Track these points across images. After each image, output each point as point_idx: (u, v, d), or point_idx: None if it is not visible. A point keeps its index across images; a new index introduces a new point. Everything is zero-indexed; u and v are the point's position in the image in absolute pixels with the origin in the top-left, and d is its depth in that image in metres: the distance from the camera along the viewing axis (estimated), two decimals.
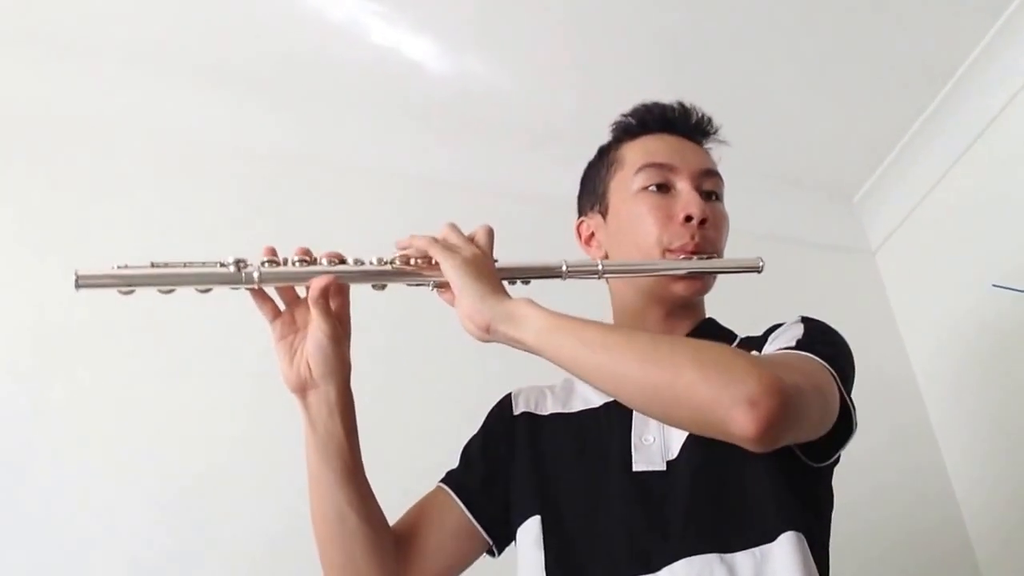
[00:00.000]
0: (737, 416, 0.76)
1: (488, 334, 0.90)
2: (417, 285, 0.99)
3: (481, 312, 0.90)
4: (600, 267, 1.05)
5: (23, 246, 1.66)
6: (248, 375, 1.57)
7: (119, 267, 0.90)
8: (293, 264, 0.94)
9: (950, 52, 2.00)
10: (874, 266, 2.38)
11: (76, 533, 1.45)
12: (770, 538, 0.90)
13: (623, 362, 0.83)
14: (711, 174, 1.15)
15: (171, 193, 1.82)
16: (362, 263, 0.96)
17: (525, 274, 1.02)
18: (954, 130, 2.10)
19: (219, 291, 0.93)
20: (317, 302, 0.93)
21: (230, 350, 1.65)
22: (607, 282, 1.16)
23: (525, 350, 0.90)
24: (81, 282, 0.88)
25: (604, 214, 1.17)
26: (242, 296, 0.95)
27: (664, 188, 1.12)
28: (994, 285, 1.80)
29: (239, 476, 1.56)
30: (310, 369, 0.95)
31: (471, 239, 0.99)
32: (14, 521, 1.44)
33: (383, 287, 0.99)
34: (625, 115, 1.21)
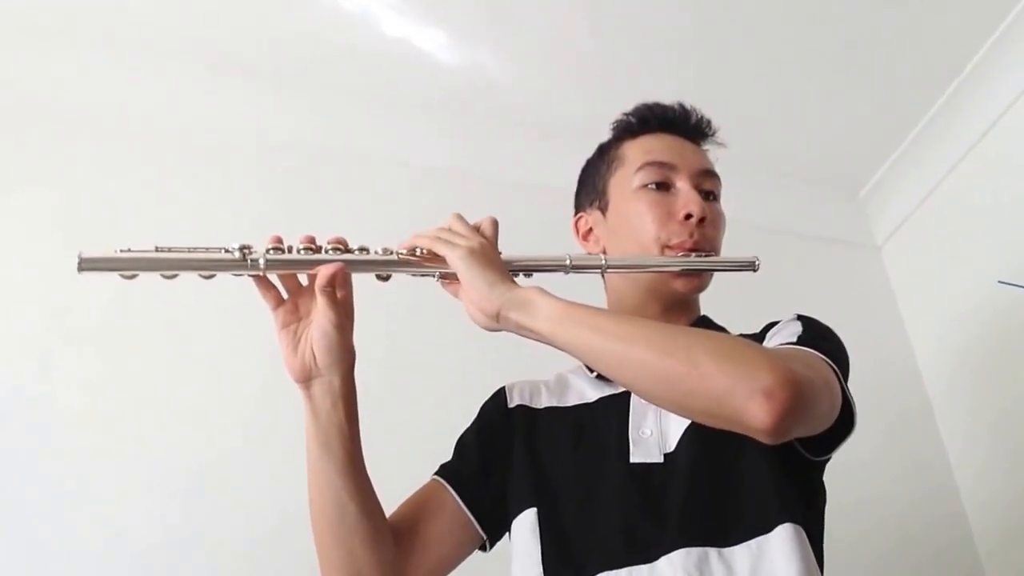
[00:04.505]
0: (753, 407, 0.76)
1: (497, 322, 0.90)
2: (422, 275, 0.98)
3: (490, 300, 0.89)
4: (604, 262, 1.05)
5: (35, 234, 1.66)
6: (251, 364, 1.58)
7: (122, 251, 0.88)
8: (298, 252, 0.93)
9: (958, 48, 2.00)
10: (880, 261, 2.37)
11: (80, 520, 1.46)
12: (767, 529, 0.90)
13: (638, 351, 0.82)
14: (710, 174, 1.16)
15: (185, 182, 1.83)
16: (367, 252, 0.95)
17: (529, 267, 1.01)
18: (961, 125, 2.09)
19: (222, 279, 0.92)
20: (324, 290, 0.92)
21: (233, 340, 1.65)
22: (604, 277, 1.17)
23: (534, 338, 0.89)
24: (84, 265, 0.86)
25: (603, 210, 1.18)
26: (245, 286, 0.95)
27: (664, 186, 1.13)
28: (1000, 281, 1.80)
29: (241, 466, 1.57)
30: (315, 357, 0.95)
31: (476, 229, 0.98)
32: (18, 509, 1.44)
33: (388, 277, 0.98)
34: (626, 114, 1.22)
